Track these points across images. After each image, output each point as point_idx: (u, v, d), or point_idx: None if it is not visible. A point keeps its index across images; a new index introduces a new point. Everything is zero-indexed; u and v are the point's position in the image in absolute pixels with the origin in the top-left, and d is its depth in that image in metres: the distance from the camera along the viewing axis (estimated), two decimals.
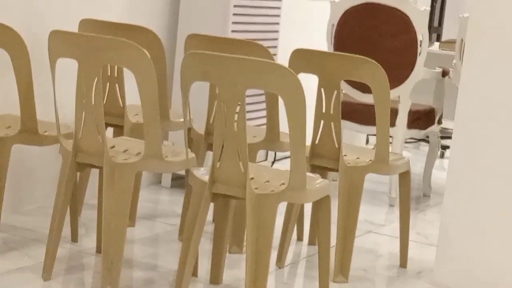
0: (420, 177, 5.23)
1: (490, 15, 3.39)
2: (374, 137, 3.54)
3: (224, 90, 2.82)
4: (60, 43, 3.08)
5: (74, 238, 3.59)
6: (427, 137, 5.07)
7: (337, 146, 3.46)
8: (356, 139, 5.78)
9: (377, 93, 3.41)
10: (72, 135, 3.19)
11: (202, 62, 2.85)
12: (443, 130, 5.39)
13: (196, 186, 2.99)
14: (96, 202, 3.54)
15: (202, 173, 3.02)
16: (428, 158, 5.07)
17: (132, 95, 3.39)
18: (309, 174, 3.00)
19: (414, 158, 5.98)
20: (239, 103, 2.80)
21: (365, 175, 3.48)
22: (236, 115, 2.80)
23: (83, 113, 3.07)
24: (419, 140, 6.46)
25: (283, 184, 2.92)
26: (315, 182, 3.00)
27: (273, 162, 4.98)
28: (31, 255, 3.41)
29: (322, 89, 3.45)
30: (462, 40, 4.72)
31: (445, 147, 6.08)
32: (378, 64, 3.37)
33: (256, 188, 2.88)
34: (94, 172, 3.55)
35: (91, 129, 3.07)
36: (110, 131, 3.79)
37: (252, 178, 2.93)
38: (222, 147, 2.88)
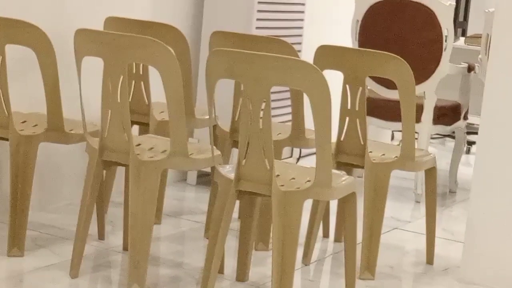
0: (446, 173, 5.20)
1: None
2: (400, 133, 3.53)
3: (249, 87, 2.82)
4: (86, 41, 3.09)
5: (101, 235, 3.60)
6: (453, 132, 5.04)
7: (362, 142, 3.45)
8: (381, 135, 5.76)
9: (402, 89, 3.40)
10: (98, 133, 3.20)
11: (227, 60, 2.86)
12: (469, 125, 5.37)
13: (222, 183, 2.99)
14: (122, 200, 3.55)
15: (228, 171, 3.03)
16: (454, 154, 5.04)
17: (157, 92, 3.40)
18: (334, 171, 2.99)
19: (440, 154, 5.95)
20: (264, 100, 2.80)
21: (391, 172, 3.47)
22: (261, 112, 2.80)
23: (109, 111, 3.08)
24: (445, 136, 6.43)
25: (308, 181, 2.92)
26: (341, 179, 2.99)
27: (298, 159, 4.98)
28: (58, 252, 3.44)
29: (347, 86, 3.44)
30: (488, 35, 4.69)
31: (471, 143, 6.05)
32: (403, 60, 3.35)
33: (282, 185, 2.88)
34: (121, 170, 3.56)
35: (117, 127, 3.08)
36: (135, 128, 3.81)
37: (278, 175, 2.93)
38: (248, 144, 2.88)
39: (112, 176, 3.91)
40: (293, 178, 2.98)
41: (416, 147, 3.58)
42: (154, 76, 3.11)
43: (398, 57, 3.36)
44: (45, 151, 3.68)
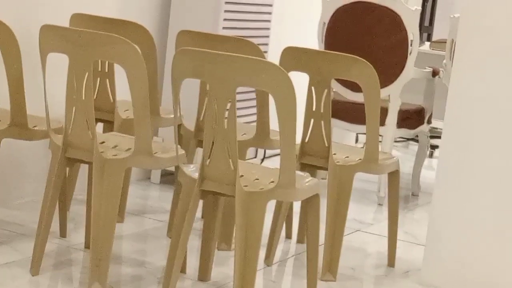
0: (409, 176, 5.24)
1: (481, 15, 3.40)
2: (364, 136, 3.55)
3: (215, 87, 2.82)
4: (51, 37, 3.07)
5: (63, 233, 3.58)
6: (417, 136, 5.08)
7: (326, 144, 3.47)
8: (345, 138, 5.79)
9: (367, 92, 3.42)
10: (62, 130, 3.18)
11: (193, 59, 2.85)
12: (433, 129, 5.41)
13: (186, 183, 2.99)
14: (85, 197, 3.53)
15: (192, 170, 3.02)
16: (417, 158, 5.08)
17: (122, 90, 3.39)
18: (298, 172, 3.00)
19: (403, 157, 5.99)
20: (230, 100, 2.80)
21: (354, 174, 3.49)
22: (227, 113, 2.80)
23: (73, 108, 3.06)
24: (409, 139, 6.47)
25: (272, 182, 2.92)
26: (305, 180, 3.00)
27: (262, 160, 4.98)
28: (19, 249, 3.41)
29: (313, 88, 3.45)
30: (453, 40, 4.74)
31: (434, 147, 6.10)
32: (369, 64, 3.37)
33: (246, 186, 2.89)
34: (84, 166, 3.54)
35: (81, 124, 3.06)
36: (100, 126, 3.79)
37: (242, 176, 2.93)
38: (212, 144, 2.88)
39: (75, 173, 3.88)
40: (257, 179, 2.99)
41: (380, 150, 3.60)
42: (120, 74, 3.10)
43: (363, 60, 3.38)
44: (8, 147, 3.65)
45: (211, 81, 2.83)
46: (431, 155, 6.16)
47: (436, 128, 5.87)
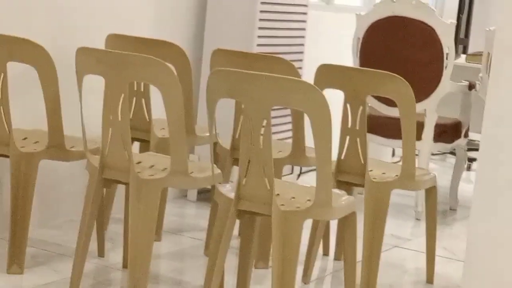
0: (446, 190, 5.20)
1: None
2: (401, 149, 3.53)
3: (250, 107, 2.82)
4: (87, 59, 3.10)
5: (101, 253, 3.60)
6: (454, 149, 5.04)
7: (362, 161, 3.45)
8: (382, 152, 5.77)
9: (403, 109, 3.40)
10: (98, 151, 3.20)
11: (227, 79, 2.86)
12: (470, 142, 5.37)
13: (222, 202, 2.99)
14: (122, 216, 3.55)
15: (228, 190, 3.03)
16: (455, 172, 5.04)
17: (159, 108, 3.41)
18: (335, 190, 2.99)
19: (441, 170, 5.95)
20: (265, 120, 2.80)
21: (391, 191, 3.47)
22: (263, 129, 2.81)
23: (110, 129, 3.09)
24: (446, 152, 6.43)
25: (309, 200, 2.92)
26: (341, 198, 2.99)
27: (299, 175, 4.98)
28: (58, 270, 3.43)
29: (348, 105, 3.45)
30: (488, 54, 4.70)
31: (472, 160, 6.05)
32: (404, 80, 3.36)
33: (282, 205, 2.88)
34: (121, 185, 3.56)
35: (117, 145, 3.08)
36: (136, 145, 3.81)
37: (278, 195, 2.93)
38: (248, 163, 2.88)
39: (112, 193, 3.91)
40: (293, 198, 2.98)
41: (416, 165, 3.58)
42: (156, 92, 3.12)
43: (398, 76, 3.37)
44: (46, 168, 3.68)
45: (246, 101, 2.83)
46: (469, 168, 6.11)
47: (474, 141, 5.82)
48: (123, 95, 3.03)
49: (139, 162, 3.20)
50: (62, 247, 3.70)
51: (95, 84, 3.27)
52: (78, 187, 3.93)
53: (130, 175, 3.05)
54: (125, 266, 3.45)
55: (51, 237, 3.82)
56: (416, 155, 3.79)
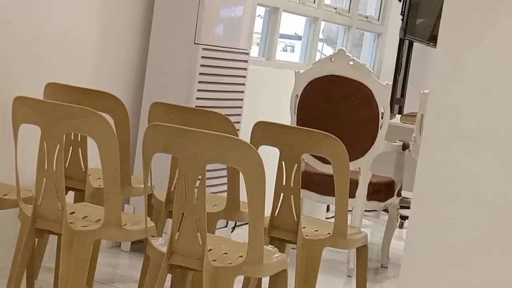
0: (379, 247, 5.26)
1: (449, 93, 3.47)
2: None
3: (185, 163, 2.84)
4: (24, 109, 3.10)
5: None
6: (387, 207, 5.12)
7: (296, 219, 3.49)
8: (317, 207, 5.82)
9: (336, 168, 3.46)
10: (32, 199, 3.18)
11: (163, 134, 2.88)
12: (403, 199, 5.45)
13: (154, 256, 2.99)
14: (53, 265, 3.51)
15: (160, 243, 3.03)
16: (387, 230, 5.11)
17: (95, 158, 3.41)
18: (267, 247, 3.02)
19: (374, 227, 6.02)
20: (200, 175, 2.82)
21: (323, 248, 3.50)
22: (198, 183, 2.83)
23: (44, 179, 3.08)
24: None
25: (240, 257, 2.94)
26: (273, 256, 3.01)
27: (233, 228, 4.99)
28: None
29: (283, 162, 3.49)
30: (422, 115, 4.81)
31: (404, 218, 6.13)
32: (338, 140, 3.42)
33: (214, 260, 2.90)
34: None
35: (51, 195, 3.07)
36: (71, 195, 3.79)
37: (210, 250, 2.94)
38: (182, 217, 2.89)
39: (44, 242, 3.87)
40: (225, 253, 3.00)
41: (349, 222, 3.63)
42: (92, 142, 3.12)
43: (332, 136, 3.42)
44: None
45: (182, 157, 2.85)
46: (401, 226, 6.19)
47: (407, 198, 5.90)
48: (58, 145, 3.03)
49: (72, 213, 3.19)
50: None
51: (31, 132, 3.26)
52: (9, 236, 3.88)
53: (62, 226, 3.04)
54: None
55: None
56: (350, 211, 3.84)
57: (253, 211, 2.82)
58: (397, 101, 6.38)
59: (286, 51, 7.02)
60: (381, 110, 4.67)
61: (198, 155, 2.80)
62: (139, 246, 4.64)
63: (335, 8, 6.62)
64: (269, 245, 3.36)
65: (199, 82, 4.47)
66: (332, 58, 4.71)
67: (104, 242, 4.35)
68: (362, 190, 4.64)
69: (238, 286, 3.31)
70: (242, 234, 4.20)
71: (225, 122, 3.59)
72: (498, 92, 3.32)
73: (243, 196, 3.46)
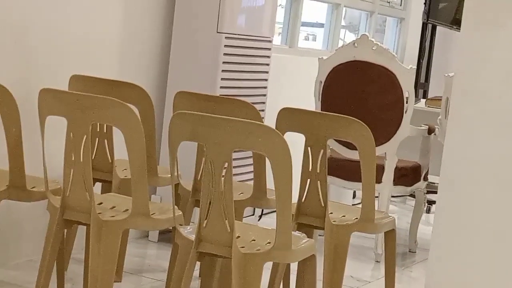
0: (406, 232, 5.25)
1: (474, 76, 3.45)
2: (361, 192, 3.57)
3: (211, 150, 2.85)
4: (50, 101, 3.11)
5: None
6: (414, 192, 5.10)
7: (323, 204, 3.49)
8: (343, 193, 5.81)
9: (363, 153, 3.45)
10: (60, 191, 3.20)
11: (189, 122, 2.89)
12: (430, 184, 5.43)
13: (183, 245, 3.01)
14: (83, 256, 3.54)
15: (189, 232, 3.04)
16: (414, 214, 5.10)
17: (122, 149, 3.42)
18: (294, 233, 3.02)
19: (401, 212, 6.00)
20: (226, 162, 2.83)
21: (351, 234, 3.50)
22: (224, 173, 2.83)
23: (71, 170, 3.09)
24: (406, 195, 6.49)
25: (269, 243, 2.94)
26: (301, 241, 3.02)
27: (260, 217, 4.99)
28: None
29: (309, 148, 3.49)
30: (447, 99, 4.79)
31: (431, 202, 6.11)
32: (364, 124, 3.41)
33: (243, 247, 2.90)
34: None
35: (79, 186, 3.09)
36: (98, 186, 3.81)
37: (239, 237, 2.95)
38: (209, 205, 2.90)
39: (73, 233, 3.90)
40: (254, 240, 3.00)
41: (376, 207, 3.62)
42: (119, 133, 3.14)
43: (358, 120, 3.42)
44: (6, 208, 3.67)
45: (208, 144, 2.86)
46: (428, 211, 6.17)
47: (434, 183, 5.88)
48: (85, 136, 3.04)
49: (100, 203, 3.21)
50: (21, 287, 3.67)
51: (58, 124, 3.28)
52: (39, 227, 3.92)
53: (91, 216, 3.06)
54: None
55: (10, 277, 3.79)
56: (376, 197, 3.83)
57: (280, 197, 2.82)
58: (421, 86, 6.35)
59: (308, 39, 7.01)
60: (405, 94, 4.65)
61: (224, 142, 2.80)
62: (167, 236, 4.66)
63: None
64: (297, 231, 3.36)
65: (223, 71, 4.47)
66: (356, 44, 4.69)
67: (132, 233, 4.38)
68: (388, 175, 4.63)
69: (267, 272, 3.32)
70: (269, 222, 4.21)
71: (250, 109, 3.59)
72: None
73: (270, 184, 3.47)
